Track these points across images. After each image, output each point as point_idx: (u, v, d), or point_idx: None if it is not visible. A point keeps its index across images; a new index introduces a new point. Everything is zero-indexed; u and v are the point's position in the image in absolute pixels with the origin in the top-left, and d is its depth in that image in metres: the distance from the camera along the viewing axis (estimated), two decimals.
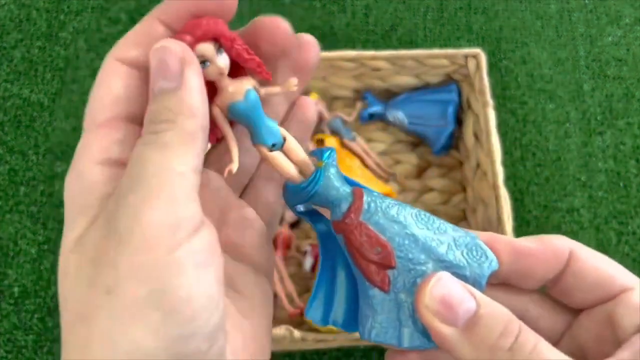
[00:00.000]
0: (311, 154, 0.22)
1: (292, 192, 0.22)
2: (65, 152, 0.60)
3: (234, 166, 0.21)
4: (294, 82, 0.22)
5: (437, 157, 0.59)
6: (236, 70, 0.22)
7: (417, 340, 0.21)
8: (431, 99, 0.58)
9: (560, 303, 0.24)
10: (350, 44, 0.66)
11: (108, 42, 0.65)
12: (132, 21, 0.66)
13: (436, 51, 0.55)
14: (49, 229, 0.56)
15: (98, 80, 0.22)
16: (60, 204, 0.58)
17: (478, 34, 0.66)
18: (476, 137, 0.55)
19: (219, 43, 0.21)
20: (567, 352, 0.23)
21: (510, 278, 0.23)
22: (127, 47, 0.22)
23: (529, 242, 0.23)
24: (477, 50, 0.55)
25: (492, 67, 0.64)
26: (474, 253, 0.21)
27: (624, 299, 0.22)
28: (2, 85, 0.63)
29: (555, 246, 0.23)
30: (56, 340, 0.52)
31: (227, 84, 0.21)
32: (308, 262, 0.52)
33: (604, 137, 0.61)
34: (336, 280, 0.23)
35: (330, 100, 0.61)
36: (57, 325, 0.53)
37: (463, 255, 0.21)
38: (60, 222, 0.57)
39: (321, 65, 0.56)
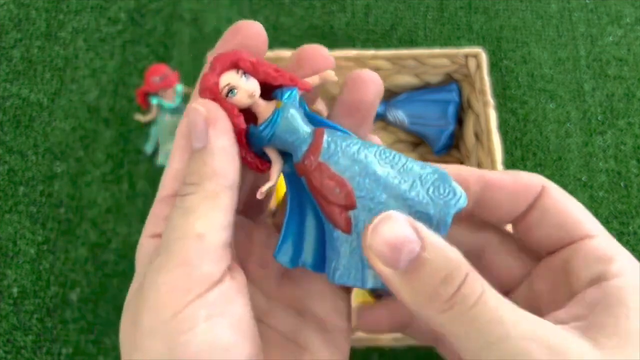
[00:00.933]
0: (272, 95, 0.22)
1: (253, 136, 0.21)
2: (64, 152, 0.60)
3: (267, 185, 0.21)
4: (331, 73, 0.23)
5: (437, 157, 0.59)
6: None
7: (379, 281, 0.20)
8: (431, 99, 0.58)
9: (523, 249, 0.23)
10: (351, 44, 0.66)
11: (107, 41, 0.65)
12: (132, 21, 0.66)
13: (436, 50, 0.55)
14: (48, 229, 0.56)
15: (172, 152, 0.23)
16: (59, 204, 0.57)
17: (478, 34, 0.66)
18: (477, 136, 0.55)
19: (242, 69, 0.21)
20: (523, 300, 0.22)
21: (478, 210, 0.22)
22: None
23: (502, 175, 0.22)
24: (478, 50, 0.55)
25: (492, 66, 0.64)
26: (441, 190, 0.20)
27: (583, 246, 0.21)
28: (1, 85, 0.63)
29: (528, 181, 0.22)
30: (55, 340, 0.52)
31: (261, 108, 0.21)
32: None
33: (605, 136, 0.61)
34: (305, 222, 0.22)
35: (330, 100, 0.61)
36: (56, 326, 0.53)
37: (428, 193, 0.20)
38: (59, 222, 0.56)
39: None
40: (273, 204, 0.22)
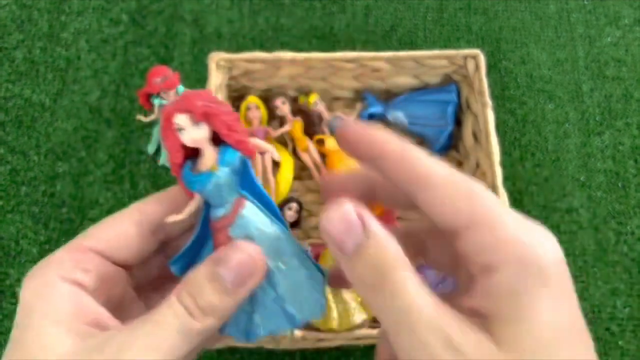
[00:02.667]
0: (218, 148, 0.24)
1: (184, 178, 0.24)
2: (66, 153, 0.60)
3: (174, 217, 0.24)
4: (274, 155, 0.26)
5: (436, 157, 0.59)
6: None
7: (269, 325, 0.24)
8: (431, 100, 0.58)
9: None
10: (351, 45, 0.66)
11: (109, 42, 0.65)
12: (133, 22, 0.66)
13: (436, 52, 0.56)
14: (50, 229, 0.57)
15: (113, 215, 0.25)
16: (61, 204, 0.58)
17: (477, 35, 0.67)
18: (475, 137, 0.55)
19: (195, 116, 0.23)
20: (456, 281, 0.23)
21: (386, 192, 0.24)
22: (152, 202, 0.25)
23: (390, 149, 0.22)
24: (477, 51, 0.55)
25: (491, 67, 0.64)
26: (309, 299, 0.24)
27: (472, 233, 0.20)
28: (3, 86, 0.63)
29: (411, 165, 0.22)
30: None
31: (205, 152, 0.24)
32: None
33: (603, 137, 0.62)
34: (203, 251, 0.25)
35: (330, 101, 0.61)
36: None
37: (297, 297, 0.24)
38: (61, 222, 0.57)
39: (321, 66, 0.56)
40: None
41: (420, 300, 0.19)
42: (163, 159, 0.59)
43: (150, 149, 0.60)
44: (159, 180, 0.59)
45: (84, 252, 0.24)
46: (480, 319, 0.19)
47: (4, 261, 0.55)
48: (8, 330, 0.53)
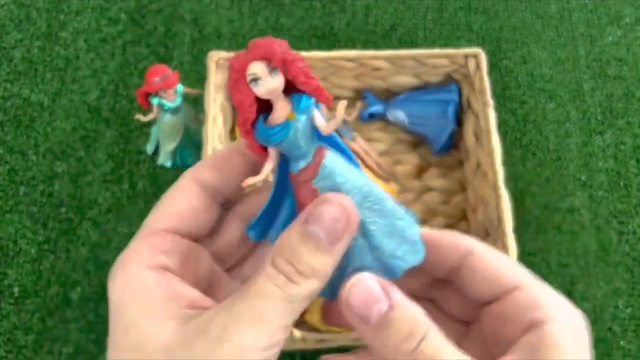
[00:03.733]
0: (293, 96, 0.22)
1: (261, 132, 0.22)
2: (65, 152, 0.60)
3: (253, 179, 0.23)
4: (344, 103, 0.23)
5: (437, 157, 0.59)
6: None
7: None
8: (431, 99, 0.58)
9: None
10: (351, 44, 0.66)
11: (108, 42, 0.65)
12: (132, 21, 0.66)
13: (436, 51, 0.55)
14: (49, 229, 0.56)
15: (170, 191, 0.25)
16: (60, 204, 0.57)
17: (478, 34, 0.66)
18: (476, 136, 0.55)
19: (273, 63, 0.22)
20: (475, 346, 0.24)
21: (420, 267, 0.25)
22: (205, 169, 0.25)
23: (436, 234, 0.25)
24: (477, 50, 0.55)
25: (492, 66, 0.64)
26: (405, 245, 0.23)
27: (514, 297, 0.23)
28: (2, 85, 0.63)
29: (455, 242, 0.24)
30: (56, 339, 0.52)
31: (278, 105, 0.22)
32: None
33: (604, 136, 0.61)
34: (280, 210, 0.24)
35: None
36: (56, 325, 0.53)
37: (394, 245, 0.23)
38: (60, 221, 0.57)
39: (321, 65, 0.56)
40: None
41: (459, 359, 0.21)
42: (162, 159, 0.58)
43: (149, 148, 0.59)
44: (158, 179, 0.59)
45: (159, 235, 0.24)
46: None
47: (2, 261, 0.55)
48: (7, 331, 0.52)
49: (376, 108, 0.59)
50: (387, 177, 0.58)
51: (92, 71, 0.64)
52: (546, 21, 0.67)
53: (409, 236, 0.23)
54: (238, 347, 0.20)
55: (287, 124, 0.22)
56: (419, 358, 0.20)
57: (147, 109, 0.54)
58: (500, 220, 0.49)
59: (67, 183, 0.58)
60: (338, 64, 0.56)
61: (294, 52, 0.23)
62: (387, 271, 0.23)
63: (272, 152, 0.23)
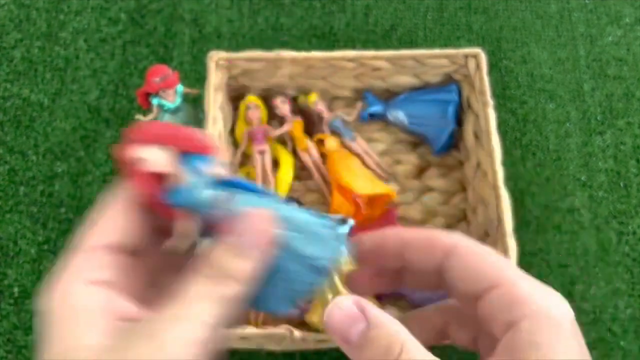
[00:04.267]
0: (182, 160, 0.24)
1: (169, 199, 0.24)
2: (65, 152, 0.60)
3: (170, 242, 0.25)
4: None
5: (437, 157, 0.59)
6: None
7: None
8: (431, 99, 0.58)
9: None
10: (351, 44, 0.66)
11: (108, 42, 0.65)
12: (132, 21, 0.66)
13: (436, 51, 0.55)
14: (48, 229, 0.56)
15: (102, 207, 0.25)
16: (60, 204, 0.57)
17: (478, 34, 0.66)
18: (476, 136, 0.55)
19: (157, 143, 0.24)
20: (472, 345, 0.26)
21: (402, 263, 0.26)
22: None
23: (417, 234, 0.26)
24: (477, 50, 0.55)
25: (492, 66, 0.64)
26: (326, 245, 0.25)
27: (492, 296, 0.23)
28: (2, 85, 0.63)
29: (438, 240, 0.25)
30: None
31: (171, 175, 0.24)
32: None
33: (604, 136, 0.61)
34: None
35: (330, 100, 0.61)
36: None
37: (314, 248, 0.24)
38: (60, 222, 0.57)
39: (321, 65, 0.56)
40: None
41: None
42: None
43: None
44: None
45: (96, 251, 0.24)
46: None
47: (2, 261, 0.55)
48: (7, 331, 0.52)
49: (376, 108, 0.59)
50: (386, 177, 0.58)
51: (92, 71, 0.64)
52: (546, 21, 0.67)
53: (326, 237, 0.25)
54: (163, 342, 0.21)
55: (187, 189, 0.24)
56: None
57: (147, 109, 0.54)
58: (500, 220, 0.49)
59: (67, 183, 0.58)
60: (338, 64, 0.56)
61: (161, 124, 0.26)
62: (316, 272, 0.25)
63: (180, 214, 0.24)
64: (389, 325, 0.22)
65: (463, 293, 0.25)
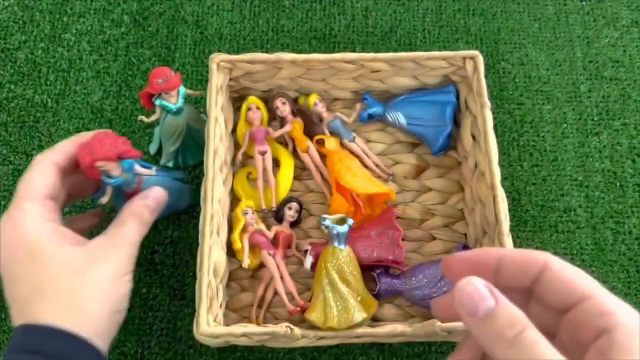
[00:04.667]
0: (120, 163, 0.48)
1: (111, 183, 0.48)
2: None
3: (104, 199, 0.49)
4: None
5: (435, 158, 0.60)
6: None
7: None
8: (430, 100, 0.59)
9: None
10: (350, 46, 0.66)
11: (111, 43, 0.66)
12: (135, 23, 0.67)
13: (434, 53, 0.56)
14: None
15: (31, 171, 0.45)
16: None
17: (476, 36, 0.67)
18: (474, 137, 0.56)
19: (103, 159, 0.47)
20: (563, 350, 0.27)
21: (499, 280, 0.29)
22: (55, 154, 0.46)
23: (514, 252, 0.29)
24: (475, 52, 0.56)
25: (489, 68, 0.65)
26: (181, 197, 0.56)
27: (586, 306, 0.26)
28: (6, 86, 0.64)
29: (533, 257, 0.29)
30: None
31: (116, 172, 0.48)
32: (308, 261, 0.53)
33: (601, 137, 0.62)
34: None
35: (330, 102, 0.62)
36: None
37: (174, 198, 0.53)
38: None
39: (321, 67, 0.56)
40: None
41: (553, 353, 0.24)
42: (164, 159, 0.59)
43: (152, 149, 0.60)
44: None
45: (44, 199, 0.44)
46: None
47: None
48: (11, 329, 0.53)
49: (375, 109, 0.60)
50: (385, 177, 0.58)
51: (95, 72, 0.64)
52: (543, 23, 0.68)
53: (182, 193, 0.56)
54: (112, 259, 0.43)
55: (120, 178, 0.48)
56: (518, 346, 0.24)
57: (150, 110, 0.55)
58: (497, 220, 0.49)
59: None
60: (338, 65, 0.56)
61: (102, 144, 0.46)
62: (177, 190, 0.54)
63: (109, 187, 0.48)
64: (515, 308, 0.26)
65: (555, 304, 0.28)
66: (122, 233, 0.44)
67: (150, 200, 0.47)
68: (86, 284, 0.40)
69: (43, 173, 0.44)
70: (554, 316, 0.28)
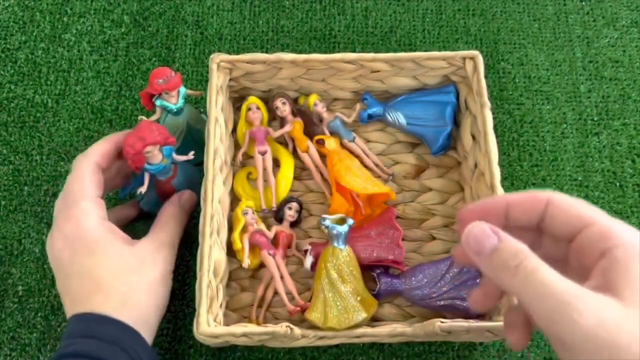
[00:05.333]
0: (161, 150, 0.51)
1: (150, 169, 0.51)
2: (68, 153, 0.61)
3: (143, 188, 0.51)
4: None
5: (435, 158, 0.60)
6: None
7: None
8: (429, 100, 0.59)
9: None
10: (350, 46, 0.66)
11: (111, 44, 0.66)
12: (135, 23, 0.67)
13: (434, 53, 0.56)
14: None
15: (76, 174, 0.49)
16: None
17: (476, 36, 0.67)
18: (474, 137, 0.56)
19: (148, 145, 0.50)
20: (574, 273, 0.30)
21: (512, 222, 0.32)
22: (98, 156, 0.50)
23: (519, 195, 0.33)
24: (475, 52, 0.56)
25: (489, 68, 0.65)
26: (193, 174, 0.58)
27: (588, 232, 0.29)
28: (6, 87, 0.64)
29: (535, 197, 0.32)
30: (59, 338, 0.53)
31: (157, 157, 0.51)
32: (308, 261, 0.53)
33: (600, 137, 0.62)
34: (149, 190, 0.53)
35: (330, 102, 0.62)
36: (60, 324, 0.54)
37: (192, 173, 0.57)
38: None
39: (321, 67, 0.57)
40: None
41: (553, 275, 0.27)
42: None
43: None
44: None
45: (98, 199, 0.49)
46: (599, 291, 0.26)
47: (6, 260, 0.56)
48: (11, 329, 0.53)
49: (375, 109, 0.60)
50: (385, 177, 0.58)
51: (95, 73, 0.64)
52: (543, 23, 0.68)
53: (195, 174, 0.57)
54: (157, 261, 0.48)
55: (162, 165, 0.51)
56: (521, 273, 0.27)
57: (150, 110, 0.55)
58: None
59: None
60: (338, 66, 0.56)
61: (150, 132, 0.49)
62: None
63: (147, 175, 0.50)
64: (515, 241, 0.29)
65: (562, 234, 0.31)
66: (165, 236, 0.49)
67: (185, 203, 0.53)
68: (139, 282, 0.46)
69: (91, 173, 0.48)
70: (565, 246, 0.31)
